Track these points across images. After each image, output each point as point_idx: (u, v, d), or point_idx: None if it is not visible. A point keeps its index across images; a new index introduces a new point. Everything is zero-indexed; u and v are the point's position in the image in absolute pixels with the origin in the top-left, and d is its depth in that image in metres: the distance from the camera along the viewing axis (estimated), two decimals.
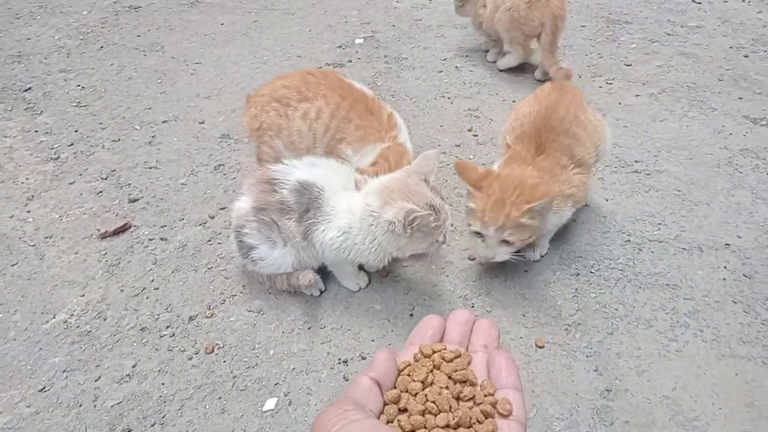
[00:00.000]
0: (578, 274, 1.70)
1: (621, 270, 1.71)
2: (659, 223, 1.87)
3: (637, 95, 2.59)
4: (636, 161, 2.16)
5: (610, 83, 2.70)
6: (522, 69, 2.85)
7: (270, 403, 1.36)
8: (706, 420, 1.32)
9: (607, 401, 1.36)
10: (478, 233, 1.53)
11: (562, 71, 2.51)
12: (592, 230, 1.85)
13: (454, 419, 0.56)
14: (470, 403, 0.59)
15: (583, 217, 1.90)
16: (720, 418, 1.32)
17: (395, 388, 0.61)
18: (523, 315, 1.58)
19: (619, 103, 2.54)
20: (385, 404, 0.59)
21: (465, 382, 0.61)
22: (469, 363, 0.64)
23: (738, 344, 1.48)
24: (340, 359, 1.47)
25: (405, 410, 0.58)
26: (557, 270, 1.71)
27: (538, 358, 1.46)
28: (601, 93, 2.62)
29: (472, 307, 1.60)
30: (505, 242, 1.50)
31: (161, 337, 1.53)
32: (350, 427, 0.51)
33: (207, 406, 1.36)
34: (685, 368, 1.43)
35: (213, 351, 1.49)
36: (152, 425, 1.32)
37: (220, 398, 1.38)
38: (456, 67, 2.90)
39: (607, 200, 1.97)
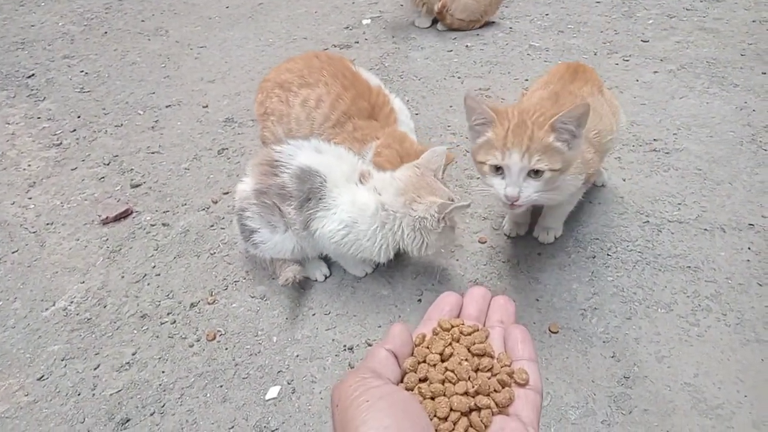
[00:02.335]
0: (594, 257, 1.62)
1: (639, 252, 1.63)
2: (679, 203, 1.79)
3: (656, 72, 2.49)
4: (654, 139, 2.07)
5: (627, 60, 2.60)
6: (536, 48, 2.76)
7: (273, 392, 1.31)
8: (731, 408, 1.25)
9: (625, 388, 1.29)
10: (497, 168, 1.27)
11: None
12: (608, 211, 1.77)
13: (473, 387, 0.57)
14: (488, 374, 0.60)
15: (600, 197, 1.82)
16: (746, 406, 1.25)
17: (413, 356, 0.61)
18: (537, 299, 1.51)
19: (637, 80, 2.44)
20: (404, 374, 0.59)
21: (483, 355, 0.62)
22: (486, 337, 0.64)
23: (764, 329, 1.40)
24: (345, 346, 1.42)
25: (425, 379, 0.59)
26: (572, 253, 1.64)
27: (552, 344, 1.40)
28: (618, 70, 2.53)
29: None
30: (533, 173, 1.26)
31: (162, 324, 1.49)
32: (371, 392, 0.51)
33: (208, 395, 1.32)
34: (708, 354, 1.36)
35: (215, 338, 1.45)
36: (151, 414, 1.28)
37: (221, 386, 1.33)
38: (466, 46, 2.82)
39: (624, 180, 1.89)
